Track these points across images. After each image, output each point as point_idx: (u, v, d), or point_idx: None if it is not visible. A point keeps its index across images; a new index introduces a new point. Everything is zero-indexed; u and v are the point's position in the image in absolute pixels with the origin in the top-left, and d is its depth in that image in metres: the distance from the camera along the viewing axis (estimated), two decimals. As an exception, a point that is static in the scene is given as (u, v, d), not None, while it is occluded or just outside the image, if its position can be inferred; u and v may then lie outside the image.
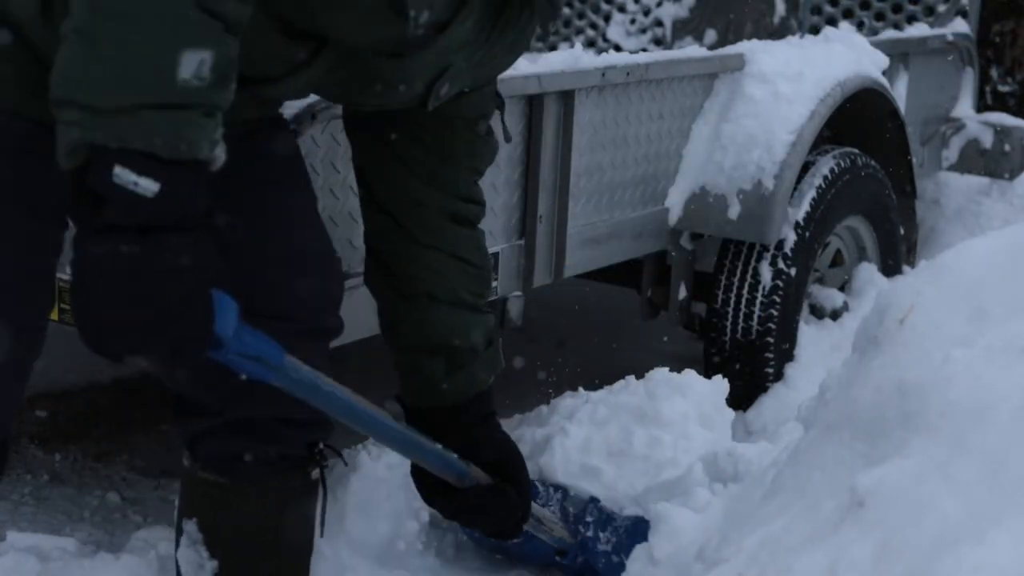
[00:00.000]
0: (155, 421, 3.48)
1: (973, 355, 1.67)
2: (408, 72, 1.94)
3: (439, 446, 2.17)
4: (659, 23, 5.17)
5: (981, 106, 4.94)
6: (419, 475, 2.27)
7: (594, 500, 2.64)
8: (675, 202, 3.34)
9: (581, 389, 2.92)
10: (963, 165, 4.72)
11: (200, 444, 2.12)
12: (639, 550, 2.44)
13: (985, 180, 4.88)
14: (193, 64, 1.55)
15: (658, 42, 5.16)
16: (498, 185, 2.80)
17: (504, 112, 2.21)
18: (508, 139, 2.25)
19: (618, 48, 5.11)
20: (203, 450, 2.12)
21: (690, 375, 2.86)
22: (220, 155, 1.62)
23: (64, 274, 2.28)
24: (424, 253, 2.16)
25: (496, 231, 2.82)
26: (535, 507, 2.45)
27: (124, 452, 3.31)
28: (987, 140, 4.67)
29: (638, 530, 2.55)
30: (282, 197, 2.06)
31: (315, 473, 2.16)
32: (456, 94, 2.03)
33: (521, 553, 2.70)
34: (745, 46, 3.52)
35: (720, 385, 2.90)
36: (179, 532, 2.18)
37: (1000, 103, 5.13)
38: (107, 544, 2.80)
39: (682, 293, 3.45)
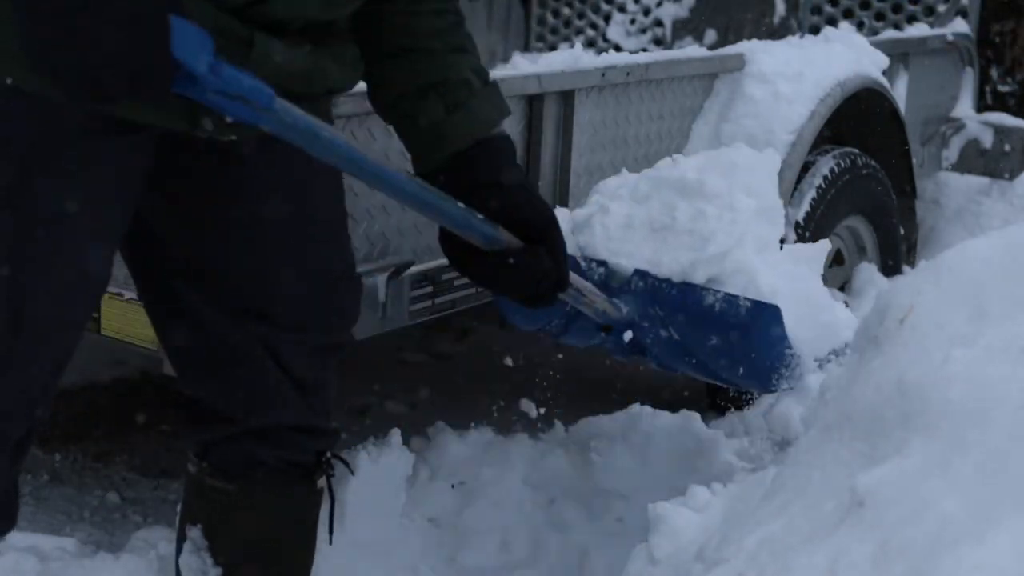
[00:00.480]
0: (155, 421, 3.48)
1: (973, 355, 1.66)
2: None
3: (461, 204, 1.97)
4: (659, 23, 5.17)
5: (981, 106, 4.94)
6: (447, 239, 2.06)
7: (639, 272, 2.50)
8: (675, 202, 3.34)
9: (625, 171, 2.73)
10: (963, 165, 4.72)
11: (213, 451, 2.12)
12: (639, 549, 2.44)
13: (985, 180, 4.88)
14: None
15: (658, 42, 5.16)
16: (498, 185, 2.80)
17: None
18: None
19: (618, 48, 5.11)
20: (216, 457, 2.12)
21: (741, 149, 2.67)
22: None
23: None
24: (403, 6, 2.01)
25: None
26: (575, 278, 2.27)
27: (124, 452, 3.31)
28: (987, 140, 4.67)
29: (688, 299, 2.43)
30: (314, 208, 2.03)
31: (321, 482, 2.16)
32: None
33: (564, 333, 2.56)
34: (745, 46, 3.52)
35: (770, 158, 2.70)
36: (182, 538, 2.17)
37: (1000, 103, 5.13)
38: (107, 544, 2.80)
39: (682, 293, 3.44)
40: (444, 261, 2.66)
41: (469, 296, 2.78)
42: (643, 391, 3.54)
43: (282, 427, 2.08)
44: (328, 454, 2.16)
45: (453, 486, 2.89)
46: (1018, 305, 1.72)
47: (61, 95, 1.56)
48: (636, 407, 3.20)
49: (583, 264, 2.53)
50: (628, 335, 2.50)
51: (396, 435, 2.73)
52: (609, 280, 2.50)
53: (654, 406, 3.22)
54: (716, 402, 3.53)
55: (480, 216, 1.99)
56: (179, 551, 2.17)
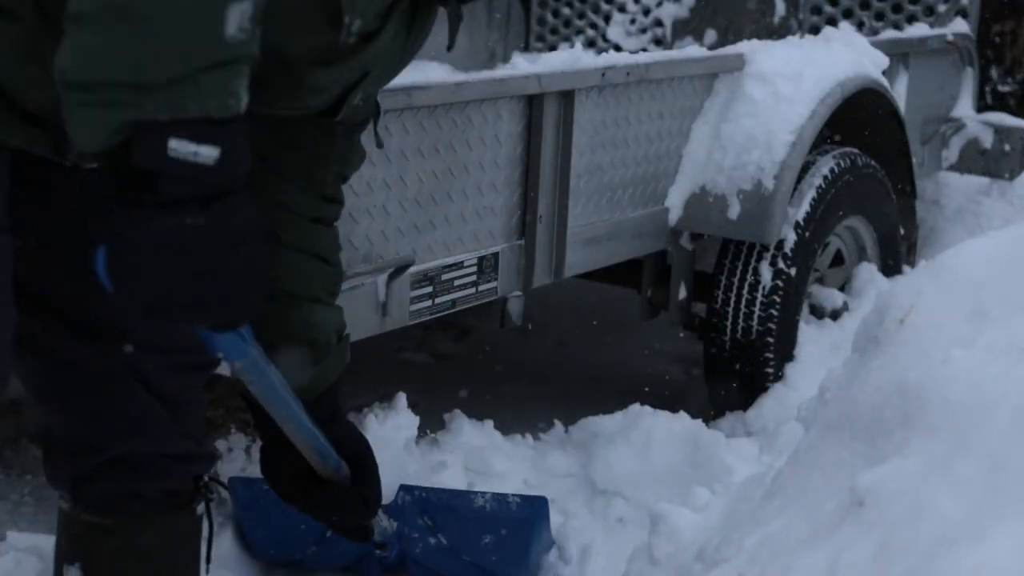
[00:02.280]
0: (155, 421, 3.48)
1: (973, 355, 1.67)
2: (332, 79, 1.91)
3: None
4: (659, 23, 5.17)
5: (981, 106, 4.94)
6: (276, 469, 2.19)
7: (404, 487, 2.60)
8: (675, 202, 3.34)
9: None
10: (963, 165, 4.72)
11: (83, 485, 2.04)
12: (639, 549, 2.44)
13: (985, 180, 4.88)
14: (237, 18, 1.50)
15: (658, 42, 5.16)
16: (498, 185, 2.80)
17: (378, 120, 2.17)
18: (380, 145, 2.22)
19: (618, 48, 5.11)
20: (87, 491, 2.04)
21: None
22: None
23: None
24: (286, 254, 2.08)
25: (496, 231, 2.82)
26: None
27: (124, 452, 3.31)
28: (987, 140, 4.67)
29: (458, 504, 2.58)
30: None
31: (200, 508, 2.11)
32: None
33: (332, 555, 2.64)
34: (745, 46, 3.52)
35: None
36: None
37: (1000, 103, 5.13)
38: (107, 544, 2.79)
39: (682, 293, 3.45)
40: (444, 261, 2.68)
41: (469, 296, 2.78)
42: (643, 391, 3.54)
43: (156, 455, 2.01)
44: (205, 478, 2.11)
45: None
46: (1018, 305, 1.72)
47: (148, 317, 1.62)
48: (636, 407, 3.20)
49: None
50: (395, 550, 2.58)
51: (402, 398, 2.74)
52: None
53: (654, 406, 3.22)
54: (717, 401, 3.53)
55: (327, 442, 2.14)
56: None
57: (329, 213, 2.16)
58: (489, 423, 3.11)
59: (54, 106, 1.54)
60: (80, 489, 2.04)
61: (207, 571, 2.18)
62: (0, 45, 1.66)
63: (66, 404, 1.99)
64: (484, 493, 2.62)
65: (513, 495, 2.62)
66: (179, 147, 1.49)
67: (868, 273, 3.78)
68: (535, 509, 2.61)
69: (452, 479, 2.86)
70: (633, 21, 5.22)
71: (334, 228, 2.19)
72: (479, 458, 3.02)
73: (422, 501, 2.59)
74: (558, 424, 3.31)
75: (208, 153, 1.50)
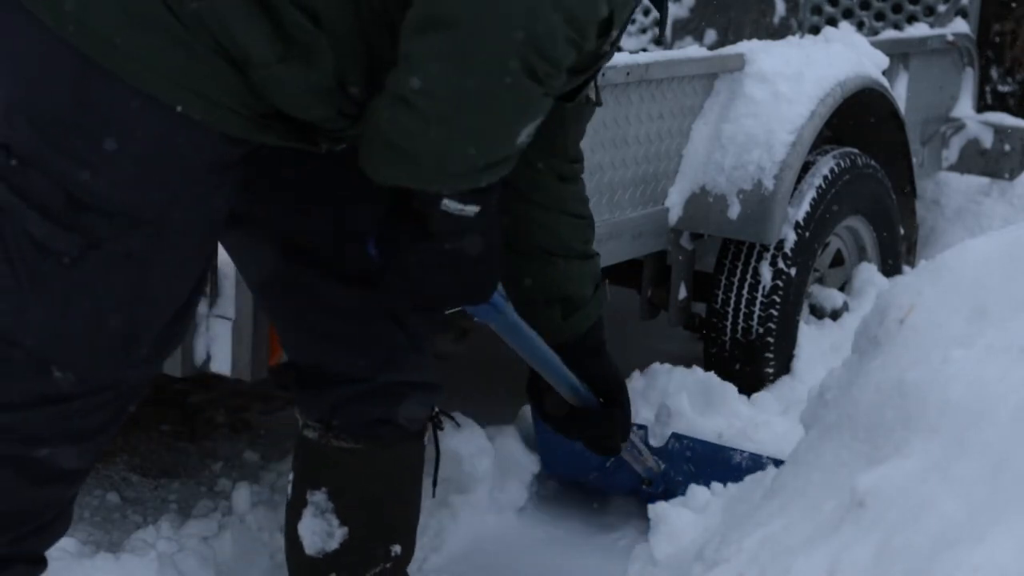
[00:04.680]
0: (155, 421, 3.48)
1: (973, 355, 1.67)
2: (580, 80, 2.13)
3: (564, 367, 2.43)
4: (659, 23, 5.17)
5: (981, 106, 4.94)
6: (536, 396, 2.51)
7: (675, 435, 2.89)
8: (675, 202, 3.34)
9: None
10: (963, 165, 4.72)
11: (340, 411, 2.21)
12: (639, 549, 2.45)
13: (985, 180, 4.88)
14: (529, 130, 1.82)
15: (658, 42, 5.16)
16: (498, 185, 2.80)
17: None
18: (599, 103, 2.39)
19: (618, 48, 5.11)
20: (343, 417, 2.22)
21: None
22: None
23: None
24: (538, 212, 2.33)
25: (496, 231, 2.82)
26: (634, 438, 2.74)
27: (124, 452, 3.31)
28: (987, 140, 4.67)
29: (718, 458, 2.82)
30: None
31: (427, 436, 2.34)
32: None
33: (610, 482, 2.99)
34: (745, 46, 3.51)
35: None
36: (301, 505, 2.26)
37: (1000, 103, 5.13)
38: (107, 544, 2.80)
39: (682, 293, 3.45)
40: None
41: (469, 296, 2.79)
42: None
43: (407, 385, 2.22)
44: (436, 409, 2.36)
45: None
46: (1018, 305, 1.72)
47: (423, 307, 2.15)
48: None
49: None
50: (661, 489, 2.86)
51: None
52: (648, 440, 2.90)
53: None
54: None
55: (575, 377, 2.45)
56: (297, 518, 2.26)
57: (574, 171, 2.41)
58: (485, 425, 3.11)
59: (334, 128, 1.87)
60: (336, 415, 2.23)
61: (433, 495, 2.51)
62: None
63: (333, 339, 2.19)
64: (743, 451, 2.83)
65: (767, 457, 2.78)
66: (450, 204, 1.88)
67: (868, 273, 3.78)
68: None
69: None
70: (633, 21, 5.22)
71: (580, 182, 2.44)
72: (476, 458, 3.01)
73: (689, 450, 2.87)
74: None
75: (471, 210, 1.88)
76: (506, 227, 2.27)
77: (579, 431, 2.57)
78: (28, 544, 2.00)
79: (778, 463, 2.65)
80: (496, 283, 2.09)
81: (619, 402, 2.55)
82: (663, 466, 2.88)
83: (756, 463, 2.78)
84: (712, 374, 3.10)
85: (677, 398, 2.95)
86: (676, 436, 2.89)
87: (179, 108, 1.76)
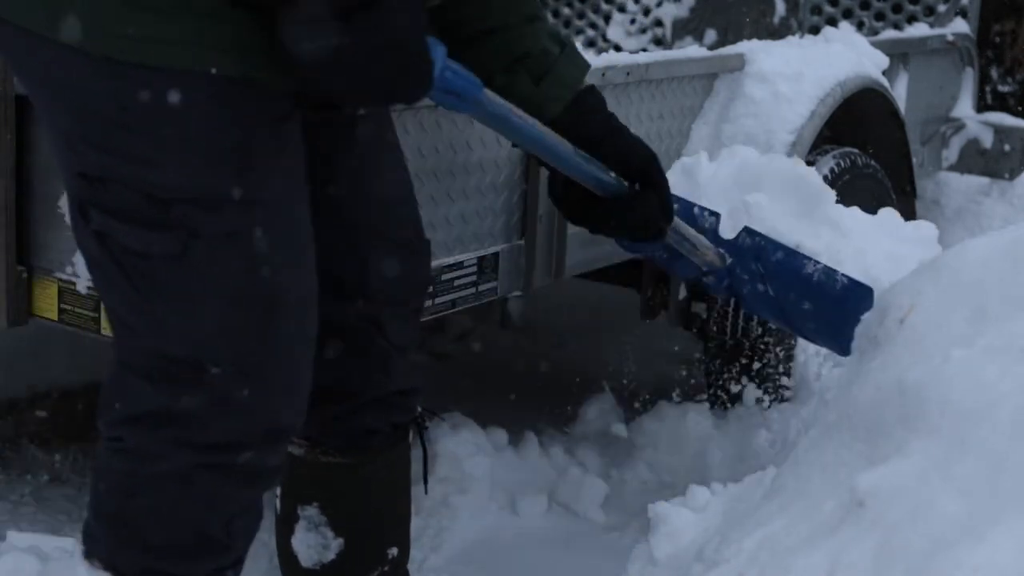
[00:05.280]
0: (155, 421, 3.48)
1: (973, 355, 1.67)
2: None
3: (582, 154, 2.20)
4: (659, 23, 5.17)
5: (981, 106, 4.94)
6: (561, 194, 2.30)
7: (748, 229, 2.66)
8: (675, 202, 3.34)
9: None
10: (963, 165, 4.72)
11: (329, 427, 2.18)
12: (639, 549, 2.44)
13: (985, 180, 4.88)
14: None
15: (658, 42, 5.16)
16: (498, 185, 2.80)
17: None
18: None
19: (618, 48, 5.11)
20: (333, 433, 2.18)
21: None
22: None
23: (63, 273, 2.29)
24: None
25: (496, 231, 2.82)
26: (684, 226, 2.50)
27: (124, 452, 3.31)
28: (987, 140, 4.67)
29: (790, 264, 2.61)
30: (382, 180, 2.12)
31: (412, 436, 2.29)
32: None
33: (672, 267, 2.75)
34: (745, 46, 3.51)
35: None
36: (292, 520, 2.22)
37: (1000, 103, 5.13)
38: (107, 544, 2.79)
39: (682, 293, 3.44)
40: (444, 261, 2.67)
41: (469, 296, 2.78)
42: (644, 391, 3.54)
43: (393, 393, 2.18)
44: (420, 409, 2.30)
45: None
46: (1018, 305, 1.72)
47: (351, 100, 1.87)
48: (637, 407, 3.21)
49: (696, 211, 2.68)
50: (725, 283, 2.67)
51: None
52: (718, 230, 2.66)
53: (653, 406, 3.23)
54: (717, 401, 3.53)
55: (595, 163, 2.20)
56: (290, 532, 2.23)
57: None
58: (485, 425, 3.12)
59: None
60: (326, 432, 2.18)
61: (425, 492, 2.49)
62: None
63: (321, 354, 2.07)
64: (817, 262, 2.61)
65: (843, 275, 2.58)
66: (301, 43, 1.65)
67: (868, 273, 3.78)
68: (857, 297, 2.51)
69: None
70: (633, 21, 5.22)
71: None
72: (476, 458, 3.02)
73: (759, 248, 2.65)
74: (558, 424, 3.32)
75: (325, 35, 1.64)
76: (442, 15, 2.11)
77: (614, 224, 2.32)
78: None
79: (853, 282, 2.54)
80: (423, 67, 1.79)
81: (652, 181, 2.27)
82: (729, 260, 2.66)
83: (829, 278, 2.59)
84: (813, 171, 2.89)
85: (758, 194, 2.70)
86: (747, 231, 2.66)
87: (213, 71, 1.73)
